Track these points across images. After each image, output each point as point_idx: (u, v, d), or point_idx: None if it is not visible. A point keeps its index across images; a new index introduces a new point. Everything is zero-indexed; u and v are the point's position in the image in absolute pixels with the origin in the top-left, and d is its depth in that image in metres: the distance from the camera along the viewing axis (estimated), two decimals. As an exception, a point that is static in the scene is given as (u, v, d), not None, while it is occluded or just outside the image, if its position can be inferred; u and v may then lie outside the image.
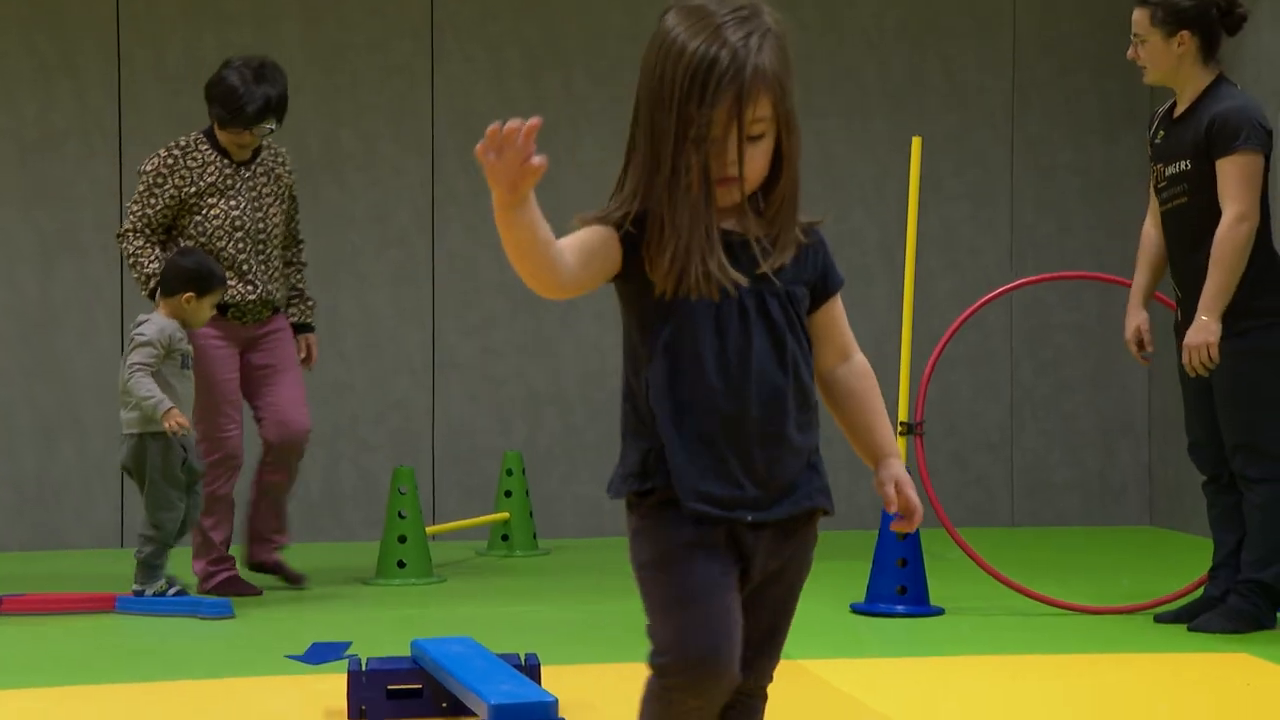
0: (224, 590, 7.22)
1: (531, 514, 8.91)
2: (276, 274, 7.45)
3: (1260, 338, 6.25)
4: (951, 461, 9.57)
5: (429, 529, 8.40)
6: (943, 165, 9.45)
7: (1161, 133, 6.49)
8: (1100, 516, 9.67)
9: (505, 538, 8.84)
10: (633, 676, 5.62)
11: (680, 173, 2.65)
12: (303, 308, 7.63)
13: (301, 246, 7.70)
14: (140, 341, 6.74)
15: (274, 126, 7.34)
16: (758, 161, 2.71)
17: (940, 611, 6.81)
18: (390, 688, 5.05)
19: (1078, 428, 9.72)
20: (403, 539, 7.77)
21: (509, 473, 8.83)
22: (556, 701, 4.27)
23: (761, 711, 2.87)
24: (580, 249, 2.66)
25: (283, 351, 7.46)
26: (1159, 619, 6.56)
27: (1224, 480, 6.46)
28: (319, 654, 6.03)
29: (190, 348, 6.95)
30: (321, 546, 8.85)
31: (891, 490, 2.81)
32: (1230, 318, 6.20)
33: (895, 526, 2.85)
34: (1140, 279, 6.69)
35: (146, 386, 6.65)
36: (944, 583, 7.26)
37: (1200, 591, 6.61)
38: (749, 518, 2.74)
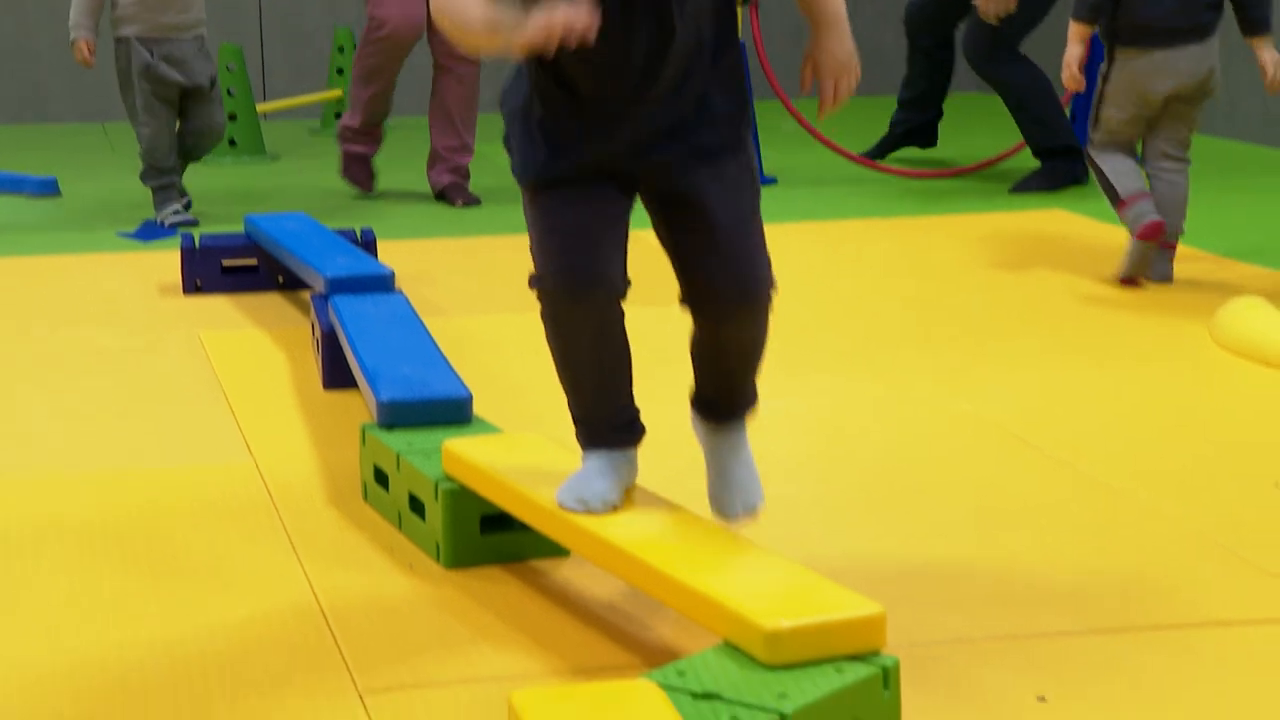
0: (349, 165, 6.68)
1: (364, 91, 8.79)
2: None
3: None
4: (788, 34, 9.54)
5: (259, 107, 8.28)
6: None
7: None
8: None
9: (339, 116, 8.73)
10: (469, 250, 5.71)
11: None
12: None
13: None
14: None
15: None
16: None
17: (773, 181, 6.89)
18: (225, 263, 5.05)
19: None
20: (232, 117, 7.64)
21: (340, 50, 8.66)
22: (393, 273, 4.29)
23: (765, 319, 2.63)
24: None
25: None
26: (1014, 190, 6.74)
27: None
28: (151, 231, 6.00)
29: None
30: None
31: (808, 72, 2.58)
32: None
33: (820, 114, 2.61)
34: None
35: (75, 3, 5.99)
36: (778, 153, 7.34)
37: (1025, 153, 6.82)
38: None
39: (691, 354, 2.68)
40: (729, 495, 2.68)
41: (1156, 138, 4.97)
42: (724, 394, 2.70)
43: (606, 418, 2.64)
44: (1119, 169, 4.95)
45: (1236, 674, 2.46)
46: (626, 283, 2.57)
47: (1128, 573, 2.86)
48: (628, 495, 2.63)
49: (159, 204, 6.13)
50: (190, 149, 6.17)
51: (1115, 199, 4.95)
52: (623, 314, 2.59)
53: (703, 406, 2.72)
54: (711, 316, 2.60)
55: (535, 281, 2.56)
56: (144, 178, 6.14)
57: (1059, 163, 6.66)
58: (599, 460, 2.64)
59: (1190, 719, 2.31)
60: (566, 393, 2.66)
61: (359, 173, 6.75)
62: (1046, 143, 6.68)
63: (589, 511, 2.57)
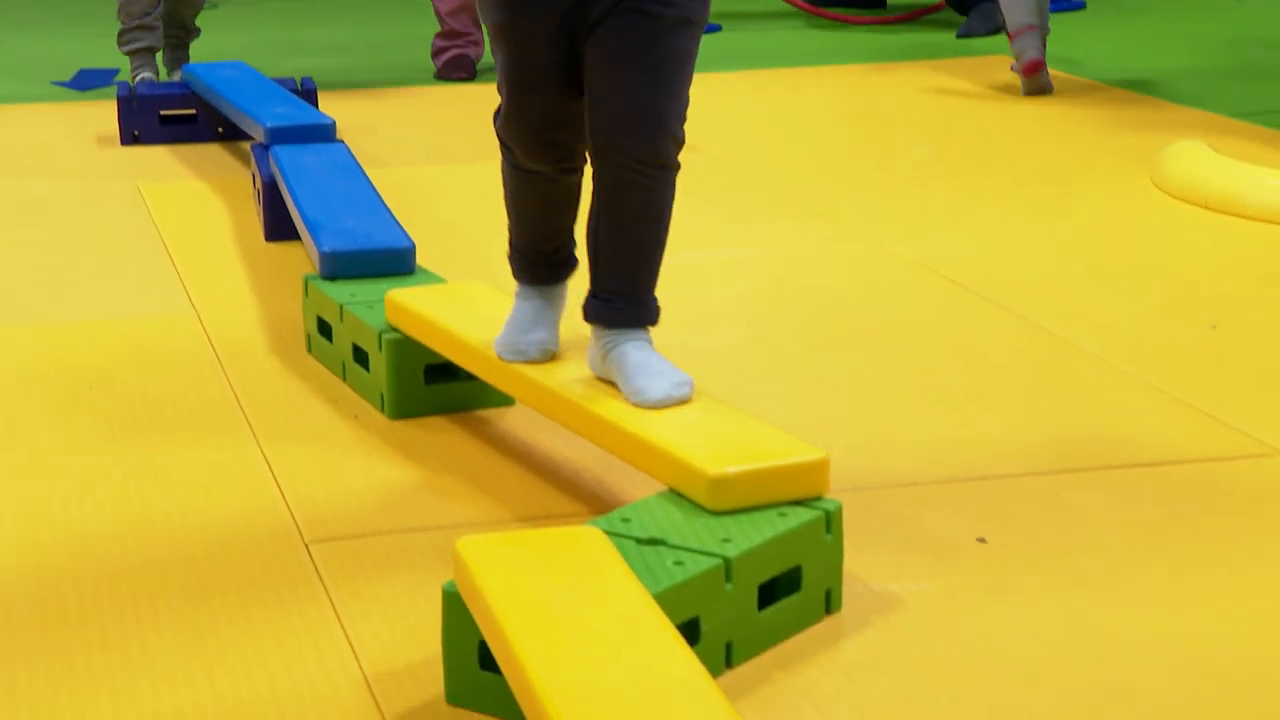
0: (450, 70, 6.00)
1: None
2: None
3: None
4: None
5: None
6: None
7: None
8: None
9: (276, -38, 8.60)
10: (410, 100, 5.66)
11: None
12: None
13: None
14: None
15: None
16: None
17: (718, 28, 6.84)
18: (163, 113, 4.99)
19: None
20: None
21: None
22: (334, 123, 4.25)
23: (655, 189, 2.43)
24: None
25: None
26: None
27: None
28: (86, 80, 5.91)
29: None
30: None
31: None
32: None
33: None
34: None
35: None
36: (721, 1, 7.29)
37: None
38: None
39: (587, 235, 2.48)
40: (647, 381, 2.39)
41: None
42: (620, 286, 2.45)
43: (545, 252, 2.58)
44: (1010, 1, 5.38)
45: (1173, 512, 2.50)
46: (584, 157, 2.48)
47: (1067, 416, 2.89)
48: (571, 343, 2.62)
49: (135, 67, 5.61)
50: (169, 12, 5.69)
51: (1006, 30, 5.44)
52: (580, 173, 2.53)
53: (599, 311, 2.47)
54: (606, 169, 2.41)
55: (496, 124, 2.52)
56: (121, 40, 5.62)
57: (983, 5, 6.66)
58: (532, 301, 2.59)
59: (1127, 557, 2.35)
60: (510, 220, 2.61)
61: (467, 68, 6.05)
62: None
63: (528, 361, 2.56)
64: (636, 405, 2.39)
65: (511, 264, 2.63)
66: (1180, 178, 4.24)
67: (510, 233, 2.62)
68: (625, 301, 2.46)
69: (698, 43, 2.47)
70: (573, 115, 2.46)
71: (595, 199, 2.46)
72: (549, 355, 2.56)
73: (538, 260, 2.60)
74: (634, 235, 2.46)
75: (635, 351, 2.44)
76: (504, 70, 2.50)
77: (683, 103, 2.43)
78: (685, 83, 2.44)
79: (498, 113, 2.54)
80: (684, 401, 2.39)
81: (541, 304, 2.59)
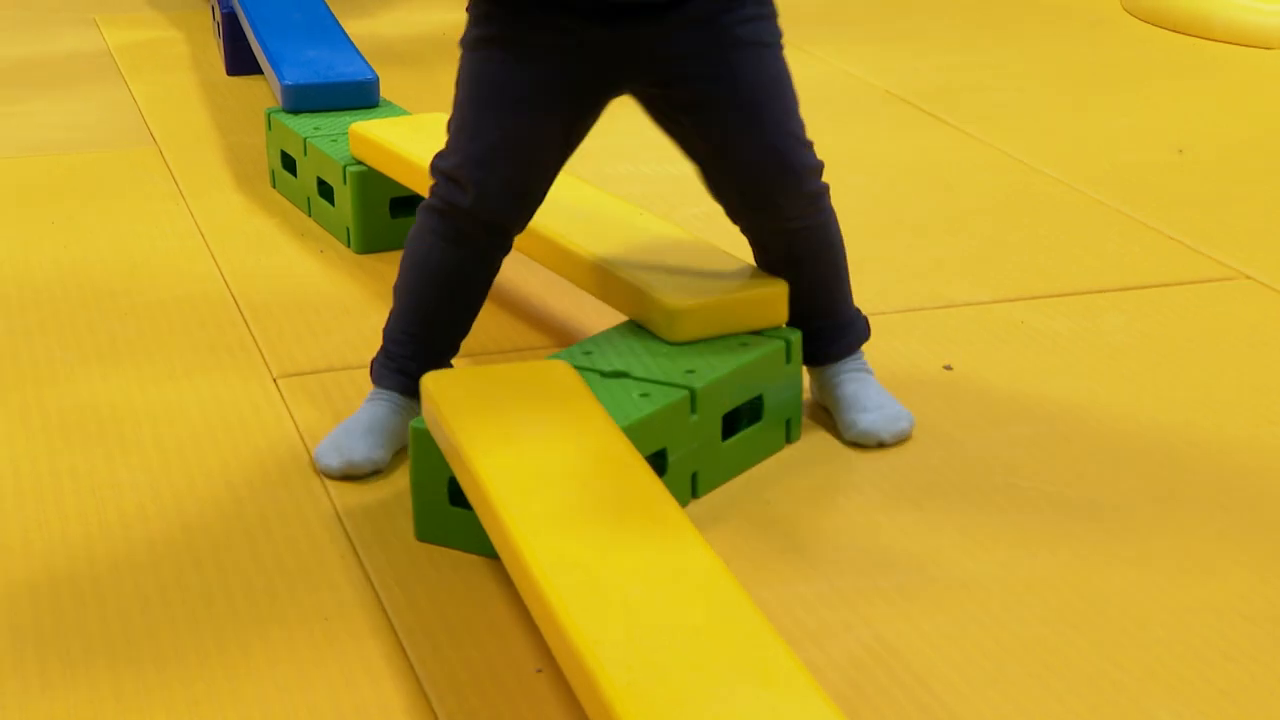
0: None
1: None
2: None
3: None
4: None
5: None
6: None
7: None
8: None
9: None
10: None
11: None
12: None
13: None
14: None
15: None
16: None
17: None
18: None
19: None
20: None
21: None
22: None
23: (822, 223, 2.23)
24: None
25: None
26: None
27: None
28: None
29: None
30: None
31: None
32: None
33: None
34: None
35: None
36: None
37: None
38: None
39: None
40: (859, 415, 2.20)
41: None
42: (821, 320, 2.23)
43: (432, 354, 2.17)
44: None
45: (1139, 336, 2.51)
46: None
47: (1033, 242, 2.89)
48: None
49: None
50: None
51: None
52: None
53: (811, 352, 2.25)
54: (765, 227, 2.20)
55: (444, 163, 2.11)
56: None
57: None
58: (381, 406, 2.16)
59: (1091, 379, 2.37)
60: (402, 309, 2.18)
61: None
62: None
63: (349, 475, 2.11)
64: (849, 439, 2.20)
65: (376, 364, 2.19)
66: (1150, 1, 4.21)
67: (395, 327, 2.18)
68: (832, 331, 2.26)
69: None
70: (551, 175, 2.14)
71: (760, 249, 2.24)
72: (377, 467, 2.12)
73: (413, 361, 2.15)
74: (817, 272, 2.23)
75: (850, 383, 2.24)
76: (492, 85, 2.09)
77: (802, 124, 2.17)
78: (796, 103, 2.16)
79: (443, 154, 2.11)
80: (900, 438, 2.20)
81: (392, 410, 2.16)
